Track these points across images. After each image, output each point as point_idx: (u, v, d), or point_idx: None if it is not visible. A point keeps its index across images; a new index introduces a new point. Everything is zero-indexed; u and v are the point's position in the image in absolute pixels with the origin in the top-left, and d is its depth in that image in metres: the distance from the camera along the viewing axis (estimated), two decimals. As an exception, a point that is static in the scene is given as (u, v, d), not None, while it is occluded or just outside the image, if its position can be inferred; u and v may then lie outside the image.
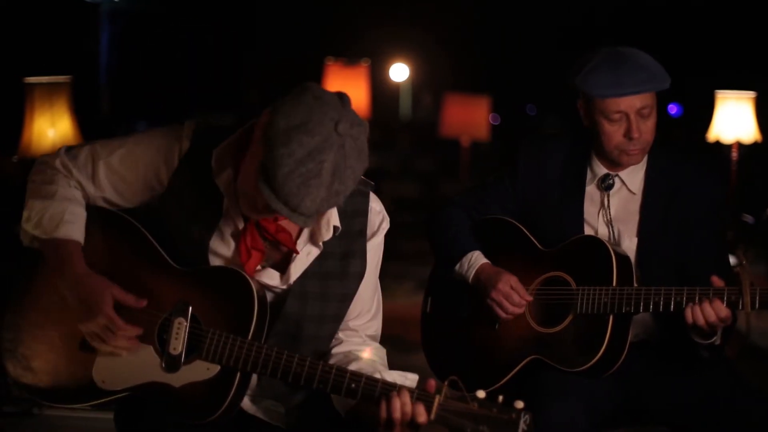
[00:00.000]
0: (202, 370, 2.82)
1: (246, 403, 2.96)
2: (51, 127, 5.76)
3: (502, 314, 3.52)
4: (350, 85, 9.23)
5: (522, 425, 2.59)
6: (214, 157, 2.88)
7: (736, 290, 3.25)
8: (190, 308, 2.85)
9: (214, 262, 2.92)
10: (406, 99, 17.71)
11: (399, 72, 16.03)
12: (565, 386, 3.35)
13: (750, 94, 7.59)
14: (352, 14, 14.96)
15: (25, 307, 2.99)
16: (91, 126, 6.51)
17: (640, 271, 3.49)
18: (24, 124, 5.82)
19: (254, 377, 2.93)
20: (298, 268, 2.91)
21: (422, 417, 2.66)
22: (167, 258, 2.91)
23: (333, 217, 2.90)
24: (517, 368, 3.47)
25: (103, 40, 14.51)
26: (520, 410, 2.60)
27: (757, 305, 3.26)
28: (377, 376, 2.80)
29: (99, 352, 2.89)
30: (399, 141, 15.79)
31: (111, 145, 2.99)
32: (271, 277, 2.92)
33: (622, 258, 3.45)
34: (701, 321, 3.26)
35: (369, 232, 2.99)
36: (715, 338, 3.33)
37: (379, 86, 13.54)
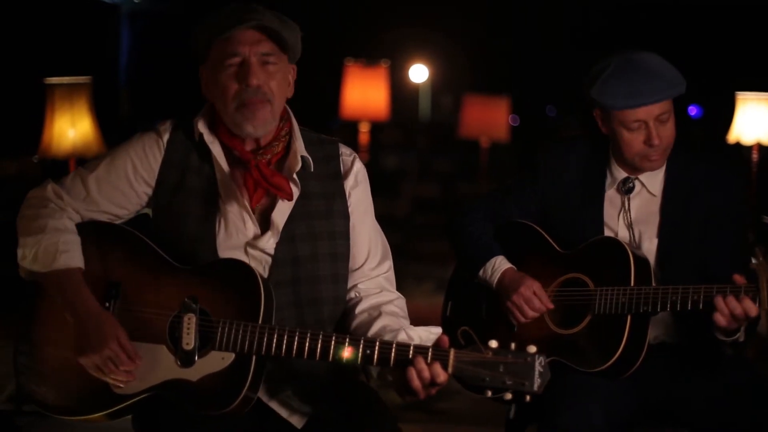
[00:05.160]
0: (217, 361, 2.86)
1: (263, 394, 3.01)
2: (71, 128, 5.78)
3: (521, 318, 3.52)
4: (370, 86, 9.22)
5: (538, 367, 2.65)
6: (198, 125, 3.04)
7: (753, 287, 3.24)
8: (198, 303, 2.88)
9: (225, 219, 3.01)
10: (425, 100, 17.69)
11: (418, 73, 16.01)
12: (584, 388, 3.35)
13: (771, 96, 7.55)
14: (371, 15, 14.95)
15: (39, 325, 3.03)
16: (111, 126, 6.53)
17: (660, 272, 3.49)
18: (44, 125, 5.84)
19: (271, 371, 2.97)
20: (283, 212, 3.01)
21: (441, 377, 2.73)
22: (168, 258, 2.98)
23: (300, 149, 3.04)
24: (536, 370, 3.47)
25: (123, 41, 14.54)
26: (534, 353, 2.65)
27: None
28: (402, 334, 2.91)
29: None
30: (418, 142, 15.77)
31: (93, 162, 3.12)
32: (265, 241, 3.01)
33: (640, 259, 3.45)
34: (739, 311, 3.23)
35: (343, 171, 3.12)
36: (738, 335, 3.32)
37: (399, 87, 13.52)
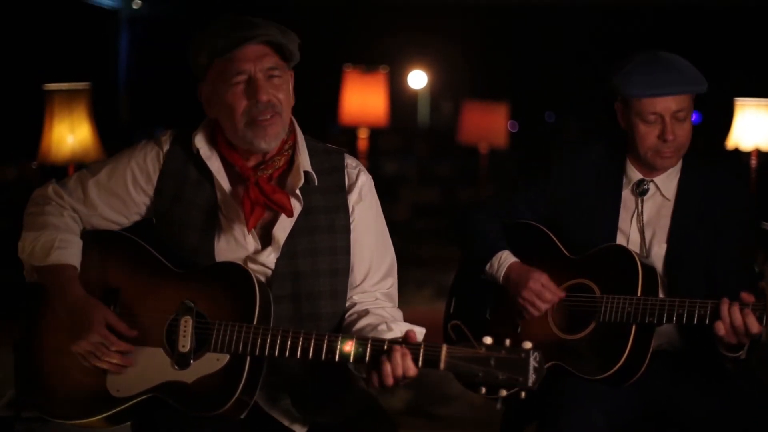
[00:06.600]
0: (212, 362, 2.87)
1: (264, 402, 3.01)
2: (70, 134, 5.79)
3: (535, 312, 3.51)
4: (369, 92, 9.22)
5: (533, 362, 2.63)
6: (195, 139, 3.02)
7: (760, 305, 3.23)
8: (194, 306, 2.89)
9: (225, 233, 3.00)
10: (424, 106, 17.68)
11: (417, 79, 16.00)
12: (585, 394, 3.34)
13: (769, 101, 7.56)
14: (370, 21, 14.95)
15: (37, 329, 3.05)
16: (110, 132, 6.53)
17: (668, 279, 3.48)
18: (43, 131, 5.85)
19: (272, 379, 2.98)
20: (284, 227, 3.00)
21: (411, 371, 2.74)
22: (167, 263, 3.00)
23: (304, 163, 3.01)
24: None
25: (123, 47, 14.54)
26: (529, 349, 2.63)
27: None
28: (383, 326, 2.93)
29: None
30: (417, 147, 15.77)
31: (96, 166, 3.13)
32: (266, 256, 3.00)
33: (648, 268, 3.45)
34: (738, 322, 3.22)
35: (348, 184, 3.08)
36: (741, 353, 3.32)
37: (398, 93, 13.52)
